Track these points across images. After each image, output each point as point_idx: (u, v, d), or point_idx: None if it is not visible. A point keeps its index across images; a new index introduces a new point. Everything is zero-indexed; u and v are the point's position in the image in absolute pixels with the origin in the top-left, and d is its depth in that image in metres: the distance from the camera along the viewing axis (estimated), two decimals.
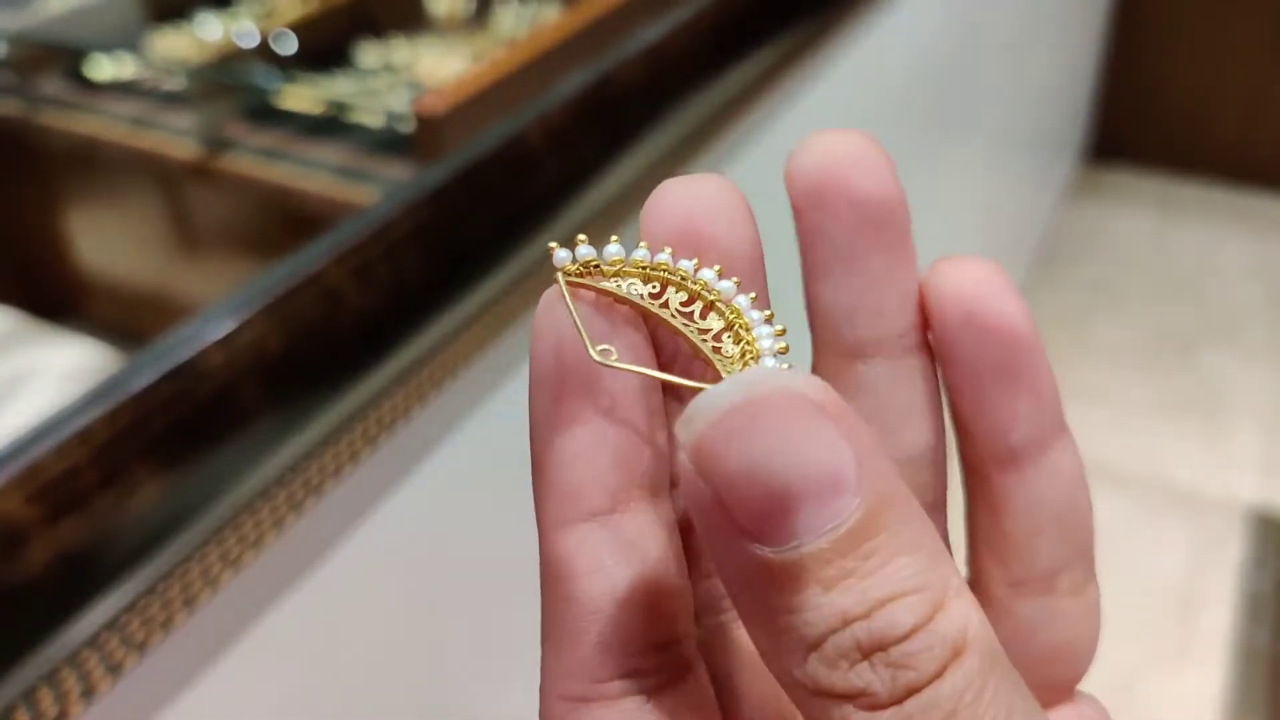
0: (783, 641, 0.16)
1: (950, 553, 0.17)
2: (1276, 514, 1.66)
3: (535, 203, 0.56)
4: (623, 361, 0.18)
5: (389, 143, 0.68)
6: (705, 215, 0.19)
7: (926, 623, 0.16)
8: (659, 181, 0.19)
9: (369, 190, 0.64)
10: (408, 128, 0.67)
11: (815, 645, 0.15)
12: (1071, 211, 2.37)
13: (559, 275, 0.19)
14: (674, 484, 0.19)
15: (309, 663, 0.50)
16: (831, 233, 0.19)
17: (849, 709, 0.16)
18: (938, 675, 0.15)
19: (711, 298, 0.18)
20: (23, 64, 0.79)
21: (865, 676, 0.15)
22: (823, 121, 0.92)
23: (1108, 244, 2.29)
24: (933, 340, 0.20)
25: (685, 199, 0.19)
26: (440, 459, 0.55)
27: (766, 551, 0.15)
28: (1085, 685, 0.22)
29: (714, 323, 0.18)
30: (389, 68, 0.78)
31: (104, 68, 0.77)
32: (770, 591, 0.16)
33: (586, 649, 0.18)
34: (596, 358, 0.18)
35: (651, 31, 0.66)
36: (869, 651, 0.15)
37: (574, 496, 0.18)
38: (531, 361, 0.18)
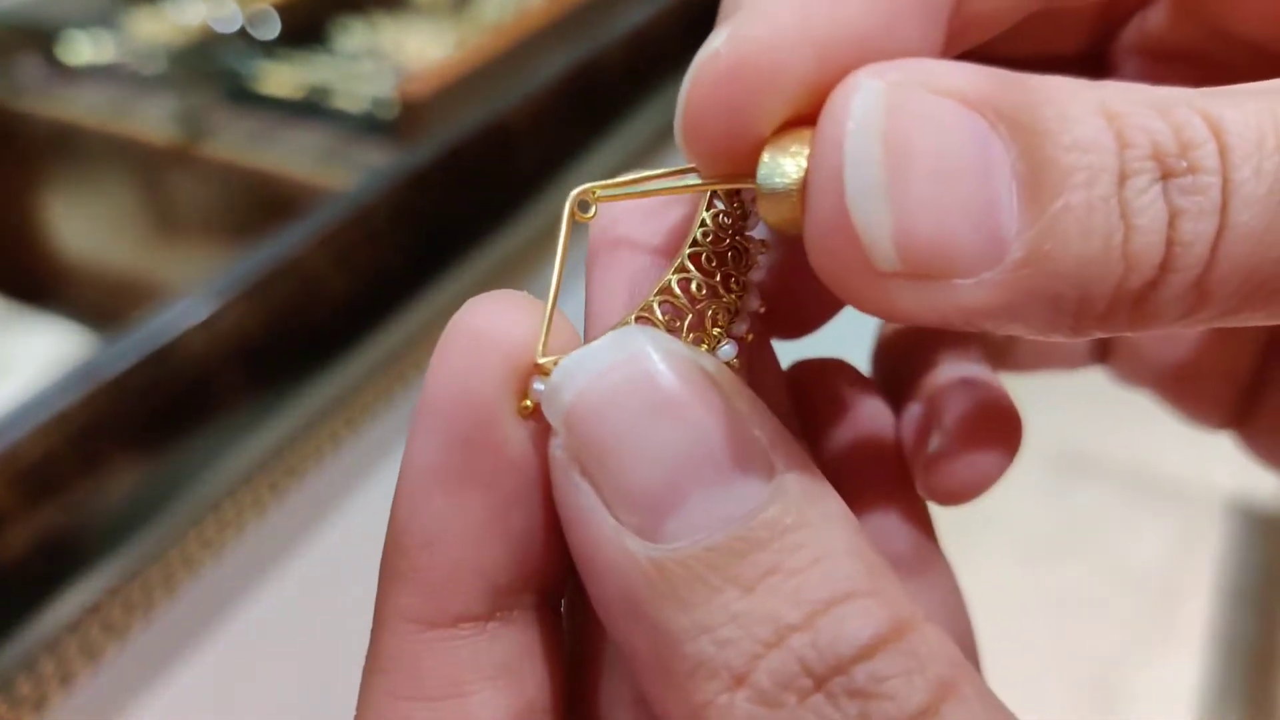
0: (694, 683, 0.12)
1: None
2: (1256, 505, 1.67)
3: (516, 187, 0.56)
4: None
5: (372, 127, 0.68)
6: None
7: (893, 639, 0.12)
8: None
9: (351, 175, 0.64)
10: (391, 113, 0.66)
11: (742, 677, 0.12)
12: None
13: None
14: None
15: (289, 648, 0.50)
16: None
17: None
18: (929, 714, 0.11)
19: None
20: None
21: (824, 713, 0.11)
22: None
23: None
24: None
25: None
26: None
27: (659, 549, 0.12)
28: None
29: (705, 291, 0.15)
30: (371, 51, 0.78)
31: (82, 51, 0.77)
32: (666, 608, 0.12)
33: None
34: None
35: (633, 17, 0.66)
36: (824, 678, 0.11)
37: (443, 591, 0.14)
38: (427, 387, 0.14)
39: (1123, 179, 0.12)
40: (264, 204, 0.66)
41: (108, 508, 0.38)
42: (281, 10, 0.78)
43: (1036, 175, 0.12)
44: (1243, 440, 0.23)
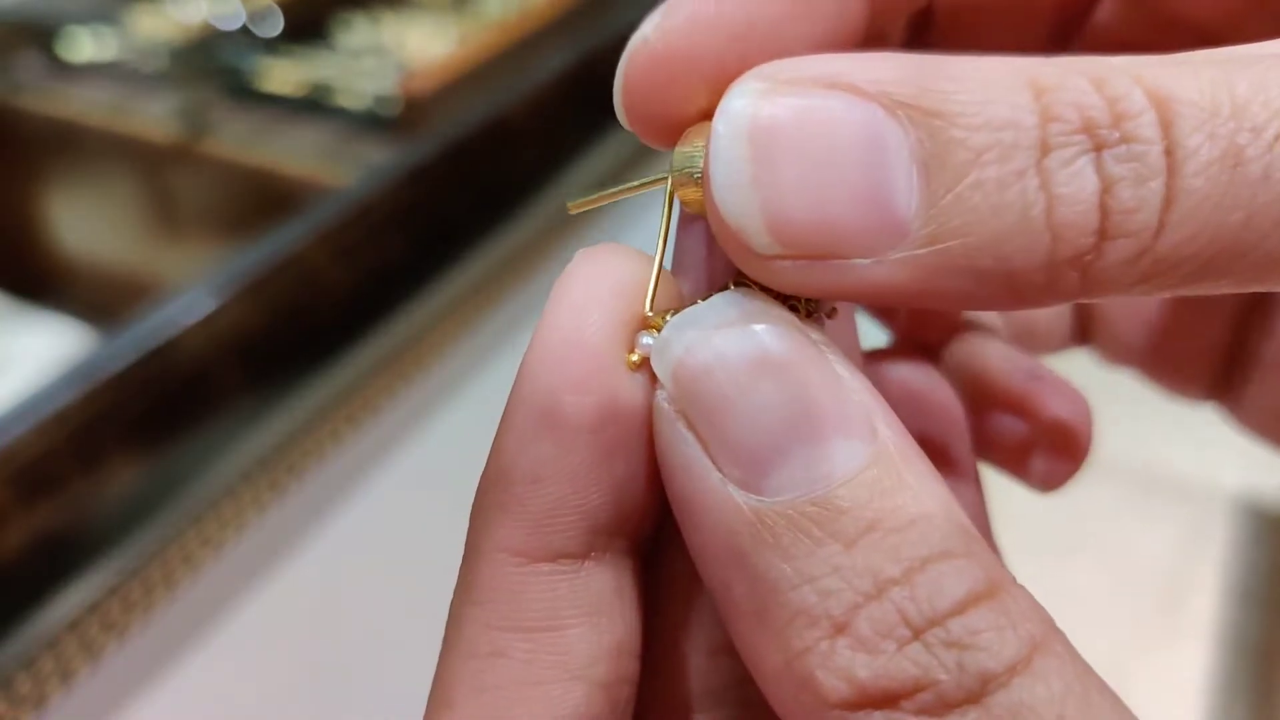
0: (794, 630, 0.12)
1: None
2: (1262, 502, 1.67)
3: (518, 183, 0.56)
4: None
5: (374, 124, 0.68)
6: None
7: (986, 597, 0.12)
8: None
9: (353, 171, 0.64)
10: (393, 109, 0.66)
11: (843, 625, 0.12)
12: None
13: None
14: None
15: (289, 646, 0.50)
16: None
17: (902, 716, 0.12)
18: (1021, 666, 0.12)
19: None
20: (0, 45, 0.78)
21: (922, 660, 0.12)
22: None
23: None
24: None
25: None
26: (425, 440, 0.55)
27: (763, 501, 0.13)
28: None
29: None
30: (373, 48, 0.78)
31: (82, 48, 0.76)
32: (768, 556, 0.12)
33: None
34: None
35: (634, 13, 0.66)
36: (921, 629, 0.12)
37: (546, 526, 0.14)
38: (540, 333, 0.14)
39: (1044, 152, 0.12)
40: (265, 201, 0.66)
41: (108, 505, 0.38)
42: (284, 7, 0.78)
43: (939, 156, 0.12)
44: (1226, 412, 0.24)
